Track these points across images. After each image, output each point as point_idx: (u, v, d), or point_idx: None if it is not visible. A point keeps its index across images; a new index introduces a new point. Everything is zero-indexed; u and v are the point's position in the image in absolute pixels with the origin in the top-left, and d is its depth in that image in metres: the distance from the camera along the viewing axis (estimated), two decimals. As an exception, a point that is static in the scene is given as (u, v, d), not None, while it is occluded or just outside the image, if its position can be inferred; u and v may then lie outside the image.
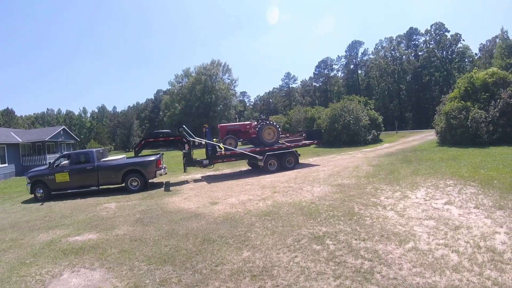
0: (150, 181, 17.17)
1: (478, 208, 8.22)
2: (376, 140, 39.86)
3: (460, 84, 27.19)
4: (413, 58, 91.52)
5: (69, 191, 16.50)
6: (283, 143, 20.37)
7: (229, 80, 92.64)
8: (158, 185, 17.58)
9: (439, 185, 11.14)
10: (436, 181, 11.79)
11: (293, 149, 19.91)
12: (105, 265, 6.69)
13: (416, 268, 5.35)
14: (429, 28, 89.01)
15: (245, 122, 22.18)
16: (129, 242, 8.00)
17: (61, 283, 6.12)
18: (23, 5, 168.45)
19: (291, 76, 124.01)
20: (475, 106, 24.03)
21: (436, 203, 9.03)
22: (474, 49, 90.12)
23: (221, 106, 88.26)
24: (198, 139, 19.35)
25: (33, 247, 8.41)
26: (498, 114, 22.74)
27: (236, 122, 23.89)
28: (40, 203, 15.27)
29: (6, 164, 33.20)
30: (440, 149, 22.73)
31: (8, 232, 10.30)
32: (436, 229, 7.05)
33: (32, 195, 16.64)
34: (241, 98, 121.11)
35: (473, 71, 27.71)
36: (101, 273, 6.36)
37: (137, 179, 16.39)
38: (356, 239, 6.79)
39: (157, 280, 5.77)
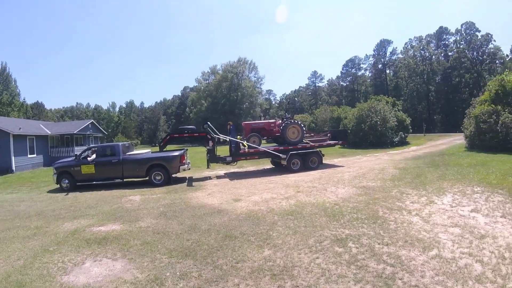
0: (174, 175, 17.43)
1: (505, 217, 7.96)
2: (403, 143, 39.10)
3: (490, 86, 26.34)
4: (442, 59, 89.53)
5: (93, 182, 16.94)
6: (307, 143, 20.26)
7: (255, 78, 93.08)
8: (182, 180, 17.80)
9: (466, 192, 10.86)
10: (463, 188, 11.49)
11: (317, 149, 19.78)
12: (127, 256, 6.81)
13: (439, 276, 5.23)
14: (459, 28, 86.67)
15: (270, 120, 22.17)
16: (152, 235, 8.12)
17: (83, 271, 6.26)
18: (53, 2, 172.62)
19: (318, 74, 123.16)
20: (506, 110, 23.16)
21: (463, 210, 8.80)
22: (506, 50, 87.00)
23: (247, 104, 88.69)
24: (223, 136, 19.45)
25: (57, 235, 8.65)
26: (530, 120, 22.00)
27: (260, 120, 23.87)
28: (65, 193, 15.72)
29: (35, 155, 34.37)
30: (469, 154, 22.15)
31: (33, 220, 10.63)
32: (461, 237, 6.88)
33: (58, 185, 17.12)
34: (267, 96, 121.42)
35: (504, 73, 26.80)
36: (122, 263, 6.48)
37: (161, 173, 16.68)
38: (379, 244, 6.70)
39: (178, 273, 5.83)
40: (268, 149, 19.22)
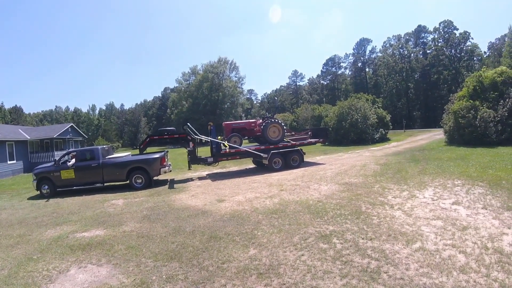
0: (155, 178, 17.29)
1: (486, 209, 8.14)
2: (384, 139, 39.61)
3: (468, 83, 26.87)
4: (421, 56, 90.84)
5: (74, 187, 16.66)
6: (288, 141, 20.36)
7: (236, 78, 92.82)
8: (163, 182, 17.67)
9: (447, 185, 11.07)
10: (444, 181, 11.71)
11: (299, 148, 19.89)
12: (112, 261, 6.72)
13: (423, 268, 5.31)
14: (437, 26, 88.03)
15: (250, 120, 22.23)
16: (136, 239, 8.03)
17: (68, 278, 6.15)
18: (30, 2, 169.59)
19: (298, 74, 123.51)
20: (484, 105, 23.76)
21: (444, 203, 8.97)
22: (483, 48, 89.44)
23: (228, 104, 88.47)
24: (203, 137, 19.39)
25: (40, 243, 8.46)
26: (506, 114, 22.48)
27: (241, 120, 23.90)
28: (46, 200, 15.40)
29: (15, 161, 33.45)
30: (448, 148, 22.58)
31: (16, 228, 10.38)
32: (444, 229, 7.00)
33: (38, 192, 16.77)
34: (248, 96, 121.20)
35: (482, 69, 27.44)
36: (108, 269, 6.39)
37: (142, 176, 16.50)
38: (363, 238, 6.76)
39: (164, 276, 5.79)
40: (249, 148, 19.24)
